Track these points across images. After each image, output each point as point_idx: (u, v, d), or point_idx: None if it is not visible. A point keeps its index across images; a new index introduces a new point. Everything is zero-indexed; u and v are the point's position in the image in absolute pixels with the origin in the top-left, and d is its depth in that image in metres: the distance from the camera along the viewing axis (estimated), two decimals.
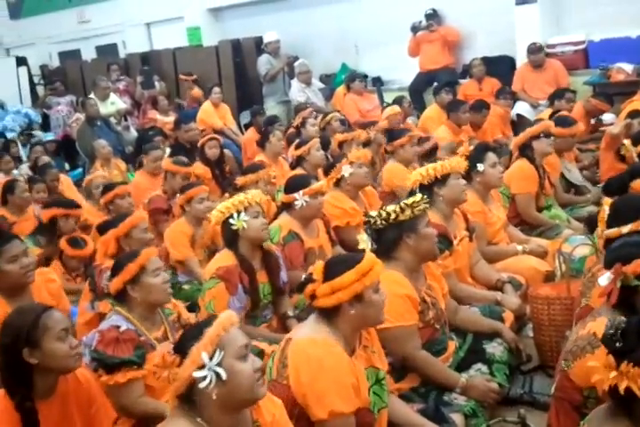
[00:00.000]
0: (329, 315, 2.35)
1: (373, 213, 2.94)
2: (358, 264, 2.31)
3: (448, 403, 2.75)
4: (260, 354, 2.99)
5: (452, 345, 3.10)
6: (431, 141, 5.94)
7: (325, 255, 3.81)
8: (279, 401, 2.14)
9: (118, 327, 2.72)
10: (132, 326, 2.76)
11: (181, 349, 1.87)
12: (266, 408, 2.05)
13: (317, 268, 2.37)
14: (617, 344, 1.79)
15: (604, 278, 2.30)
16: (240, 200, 3.43)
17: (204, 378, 1.82)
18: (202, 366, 1.83)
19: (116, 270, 2.86)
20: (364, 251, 2.62)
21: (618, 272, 2.26)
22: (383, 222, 2.88)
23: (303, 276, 2.41)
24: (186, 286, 4.35)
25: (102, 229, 3.87)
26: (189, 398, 1.87)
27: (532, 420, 2.74)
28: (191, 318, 3.12)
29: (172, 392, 1.88)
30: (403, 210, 2.86)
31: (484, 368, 3.01)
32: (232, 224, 3.39)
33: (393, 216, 2.86)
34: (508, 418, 2.77)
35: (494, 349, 3.13)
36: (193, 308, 3.64)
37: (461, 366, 3.02)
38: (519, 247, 4.12)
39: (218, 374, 1.83)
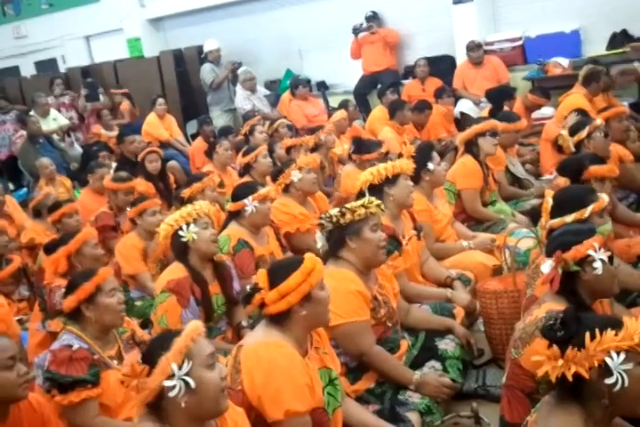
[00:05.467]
0: (279, 320, 2.37)
1: (325, 214, 2.99)
2: (301, 265, 2.35)
3: (403, 402, 2.78)
4: None
5: (405, 344, 3.13)
6: (384, 147, 5.88)
7: None
8: (241, 410, 2.16)
9: (70, 346, 2.68)
10: (84, 344, 2.73)
11: (150, 359, 1.89)
12: (229, 417, 2.08)
13: (261, 276, 2.39)
14: (558, 333, 1.85)
15: (546, 266, 2.39)
16: (188, 212, 3.43)
17: (173, 387, 1.86)
18: (171, 376, 1.86)
19: (71, 288, 2.82)
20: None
21: (558, 259, 2.34)
22: (329, 225, 2.94)
23: (248, 287, 2.41)
24: (138, 303, 4.30)
25: (50, 248, 3.81)
26: (157, 406, 1.90)
27: (485, 412, 2.75)
28: (145, 335, 3.09)
29: (139, 401, 1.90)
30: (343, 214, 2.91)
31: (438, 365, 3.06)
32: (182, 236, 3.38)
33: (334, 220, 2.92)
34: (462, 413, 2.81)
35: (446, 345, 3.17)
36: (146, 324, 3.61)
37: (415, 364, 3.06)
38: (465, 243, 4.19)
39: (187, 383, 1.87)
